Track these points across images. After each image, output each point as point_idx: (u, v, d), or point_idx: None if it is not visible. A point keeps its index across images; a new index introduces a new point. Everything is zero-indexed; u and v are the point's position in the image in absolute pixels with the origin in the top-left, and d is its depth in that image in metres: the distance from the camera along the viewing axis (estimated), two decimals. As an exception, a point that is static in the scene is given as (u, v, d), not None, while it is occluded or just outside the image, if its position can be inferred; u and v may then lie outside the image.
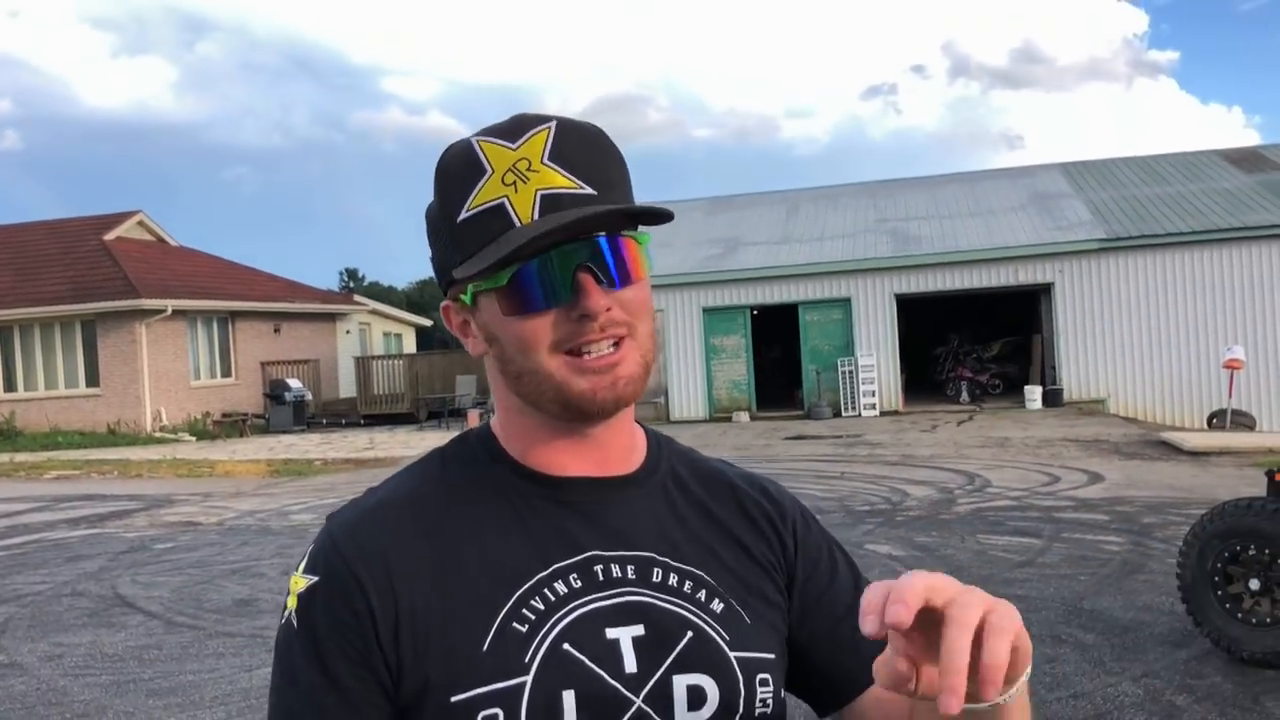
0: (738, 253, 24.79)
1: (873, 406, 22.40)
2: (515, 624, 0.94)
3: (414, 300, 67.82)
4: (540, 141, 0.95)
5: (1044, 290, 22.49)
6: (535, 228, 0.93)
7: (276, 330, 29.03)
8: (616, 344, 0.97)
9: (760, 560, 1.07)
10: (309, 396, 26.94)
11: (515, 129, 0.97)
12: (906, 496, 11.35)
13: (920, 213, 25.60)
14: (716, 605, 1.01)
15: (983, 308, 27.10)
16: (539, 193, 0.94)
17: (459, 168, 0.97)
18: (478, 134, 0.98)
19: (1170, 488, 11.31)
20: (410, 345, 37.65)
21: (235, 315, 27.65)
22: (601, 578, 0.98)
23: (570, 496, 1.01)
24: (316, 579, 0.96)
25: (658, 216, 0.98)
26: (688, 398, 23.70)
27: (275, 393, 26.22)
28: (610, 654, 0.95)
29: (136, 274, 25.26)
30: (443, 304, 1.04)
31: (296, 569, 0.99)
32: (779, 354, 25.45)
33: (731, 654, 0.99)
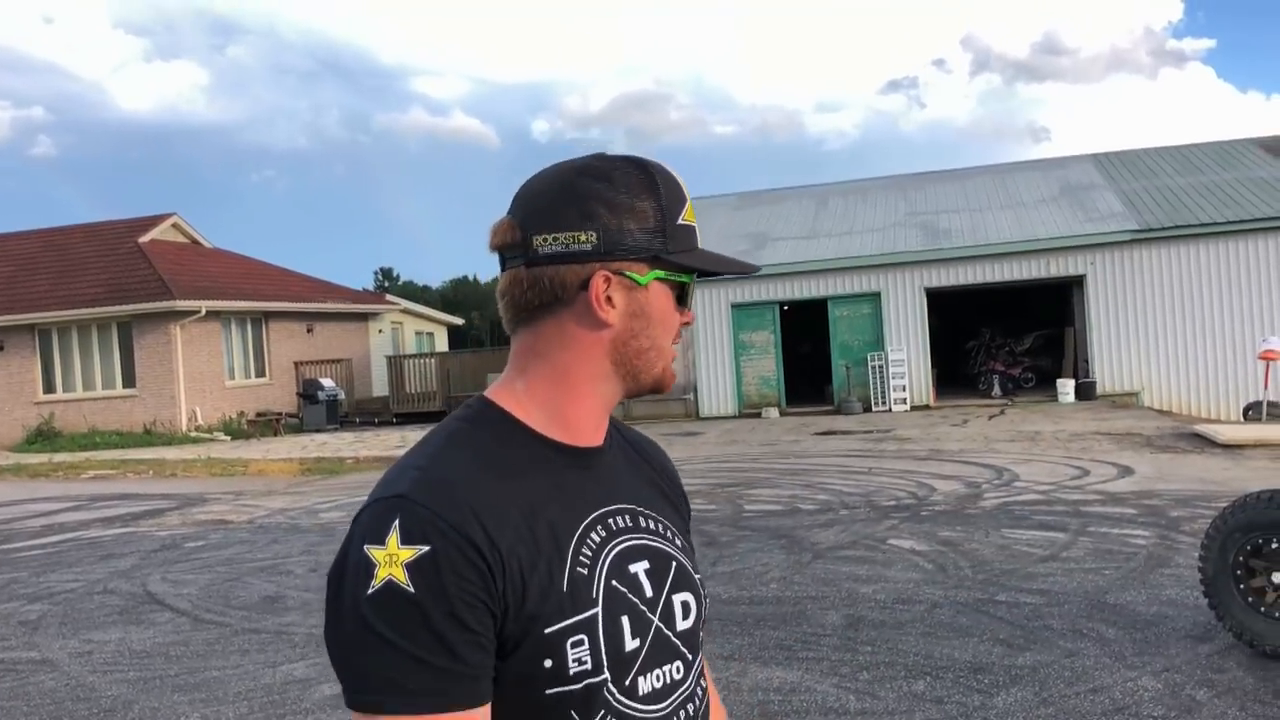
0: (766, 248, 24.74)
1: (903, 401, 22.29)
2: (579, 568, 1.15)
3: (448, 299, 68.17)
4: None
5: (1076, 282, 22.28)
6: (739, 263, 1.27)
7: (310, 330, 29.28)
8: None
9: (676, 501, 1.38)
10: (342, 395, 27.16)
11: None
12: (933, 491, 11.30)
13: (950, 206, 25.43)
14: (678, 541, 1.30)
15: (1014, 301, 26.89)
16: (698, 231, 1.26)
17: (674, 186, 1.23)
18: (660, 163, 1.25)
19: (1202, 481, 11.19)
20: (442, 344, 37.87)
21: (268, 316, 27.92)
22: (615, 527, 1.22)
23: (582, 462, 1.23)
24: (429, 547, 1.06)
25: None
26: (717, 394, 23.68)
27: (308, 392, 26.46)
28: (637, 584, 1.20)
29: (171, 275, 25.58)
30: (599, 272, 1.18)
31: (379, 544, 1.06)
32: (809, 349, 25.38)
33: (695, 575, 1.30)
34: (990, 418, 19.50)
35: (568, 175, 1.19)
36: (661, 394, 1.28)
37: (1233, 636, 5.46)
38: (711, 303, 23.67)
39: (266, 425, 25.60)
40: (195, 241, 30.12)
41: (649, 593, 1.20)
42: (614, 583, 1.17)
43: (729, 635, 6.18)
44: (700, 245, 1.24)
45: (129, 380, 25.36)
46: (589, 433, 1.23)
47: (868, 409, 22.39)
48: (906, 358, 22.48)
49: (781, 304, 23.75)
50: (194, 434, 24.46)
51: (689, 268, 1.21)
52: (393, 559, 1.05)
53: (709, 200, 29.90)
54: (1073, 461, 13.14)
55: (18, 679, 6.16)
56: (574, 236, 1.16)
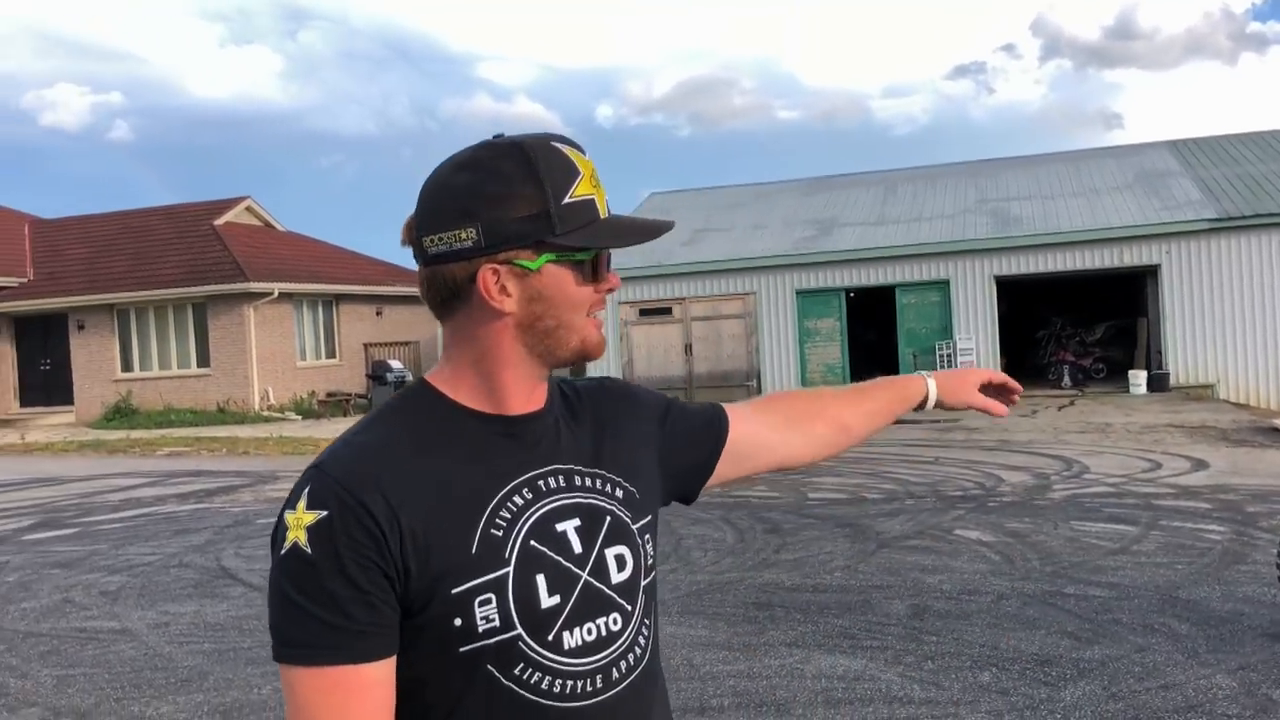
0: (833, 234, 24.55)
1: (971, 390, 21.98)
2: (493, 530, 1.21)
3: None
4: (591, 162, 1.26)
5: (1150, 272, 21.81)
6: (646, 226, 1.27)
7: (379, 313, 29.68)
8: None
9: (634, 438, 1.41)
10: (409, 377, 27.43)
11: (575, 146, 1.26)
12: (1000, 482, 11.17)
13: (1021, 193, 25.02)
14: (618, 492, 1.33)
15: (1086, 290, 26.39)
16: (606, 200, 1.26)
17: (560, 164, 1.22)
18: (548, 138, 1.24)
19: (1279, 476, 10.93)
20: (507, 327, 38.14)
21: (339, 298, 28.34)
22: (544, 489, 1.27)
23: (511, 430, 1.27)
24: (326, 512, 1.15)
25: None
26: (780, 380, 23.58)
27: (377, 373, 26.80)
28: (562, 542, 1.25)
29: (245, 258, 26.06)
30: (485, 267, 1.21)
31: (291, 509, 1.17)
32: (874, 337, 25.16)
33: (633, 526, 1.33)
34: (1060, 408, 19.19)
35: (447, 173, 1.23)
36: (591, 360, 1.30)
37: (1310, 635, 5.34)
38: (776, 288, 23.56)
39: (336, 405, 26.02)
40: (268, 224, 30.63)
41: (577, 549, 1.25)
42: (532, 542, 1.22)
43: (793, 622, 6.18)
44: (605, 215, 1.25)
45: (203, 360, 25.91)
46: (519, 403, 1.28)
47: (934, 398, 22.08)
48: (975, 346, 22.18)
49: (848, 291, 23.56)
50: (266, 413, 24.94)
51: (581, 246, 1.22)
52: (299, 523, 1.15)
53: (775, 185, 29.75)
54: (1144, 454, 12.90)
55: (100, 647, 6.36)
56: (455, 235, 1.20)
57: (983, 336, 22.30)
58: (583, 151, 1.25)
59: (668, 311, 24.28)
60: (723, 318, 24.02)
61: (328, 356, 28.21)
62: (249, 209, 30.01)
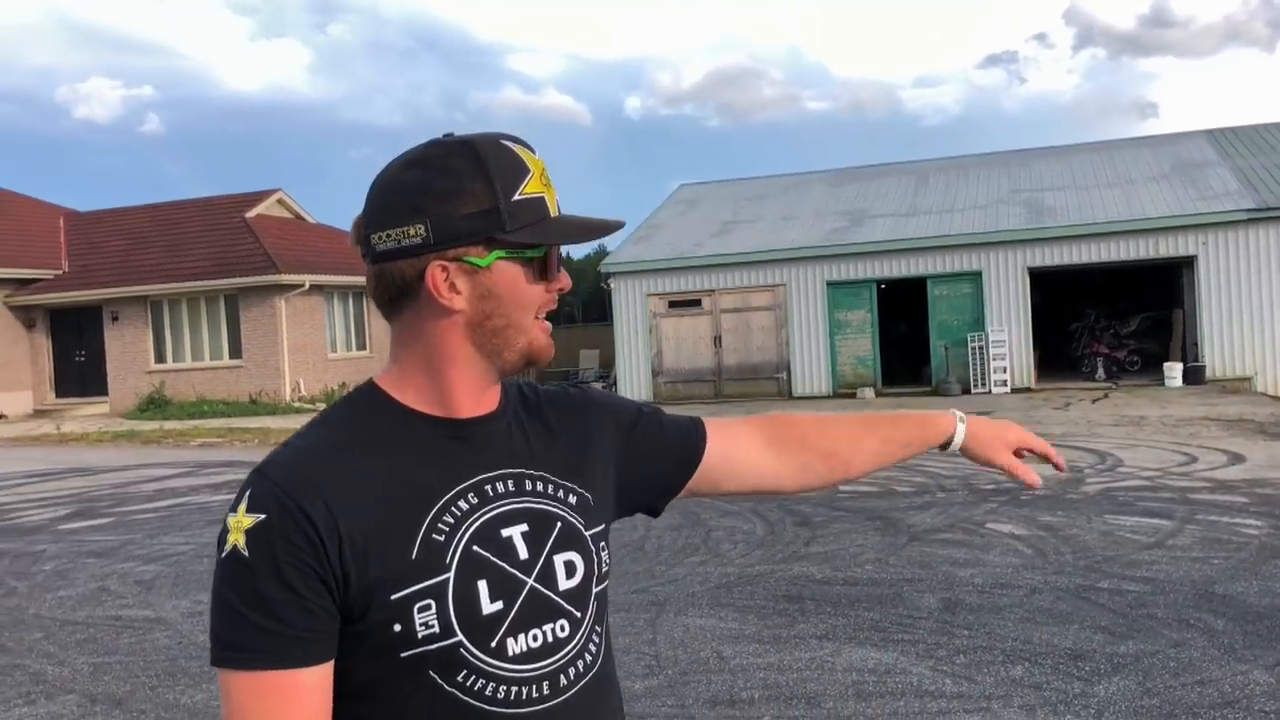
0: (864, 225, 24.40)
1: (1004, 383, 21.84)
2: (434, 535, 1.19)
3: (541, 275, 68.52)
4: (541, 160, 1.25)
5: (1186, 263, 21.54)
6: (595, 225, 1.26)
7: (408, 304, 29.83)
8: None
9: (592, 444, 1.38)
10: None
11: (525, 145, 1.25)
12: (1033, 475, 11.06)
13: (1055, 183, 24.77)
14: (571, 498, 1.31)
15: (1121, 281, 26.12)
16: (556, 199, 1.26)
17: (510, 161, 1.21)
18: (498, 137, 1.23)
19: (1318, 470, 10.77)
20: (537, 319, 38.19)
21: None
22: (491, 493, 1.25)
23: (461, 432, 1.26)
24: (265, 516, 1.14)
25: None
26: (811, 373, 23.50)
27: (406, 365, 26.99)
28: (507, 548, 1.23)
29: (276, 250, 26.23)
30: (434, 264, 1.20)
31: (233, 512, 1.16)
32: (906, 329, 25.01)
33: (586, 533, 1.31)
34: (1094, 401, 19.01)
35: (396, 170, 1.22)
36: (538, 366, 1.29)
37: (1351, 631, 5.26)
38: (806, 280, 23.46)
39: (366, 397, 26.19)
40: (299, 217, 30.83)
41: (523, 555, 1.23)
42: (475, 548, 1.20)
43: (823, 615, 6.16)
44: (556, 213, 1.24)
45: (235, 351, 26.13)
46: (468, 406, 1.26)
47: (966, 390, 21.99)
48: (1008, 339, 21.99)
49: (879, 282, 23.42)
50: (297, 404, 25.12)
51: (532, 243, 1.21)
52: (239, 526, 1.15)
53: (804, 176, 29.61)
54: (1180, 448, 12.76)
55: (135, 635, 6.43)
56: (404, 232, 1.19)
57: (1015, 329, 22.12)
58: (533, 150, 1.24)
59: (697, 303, 24.24)
60: (752, 309, 23.95)
61: (358, 348, 28.38)
62: (280, 201, 30.21)
